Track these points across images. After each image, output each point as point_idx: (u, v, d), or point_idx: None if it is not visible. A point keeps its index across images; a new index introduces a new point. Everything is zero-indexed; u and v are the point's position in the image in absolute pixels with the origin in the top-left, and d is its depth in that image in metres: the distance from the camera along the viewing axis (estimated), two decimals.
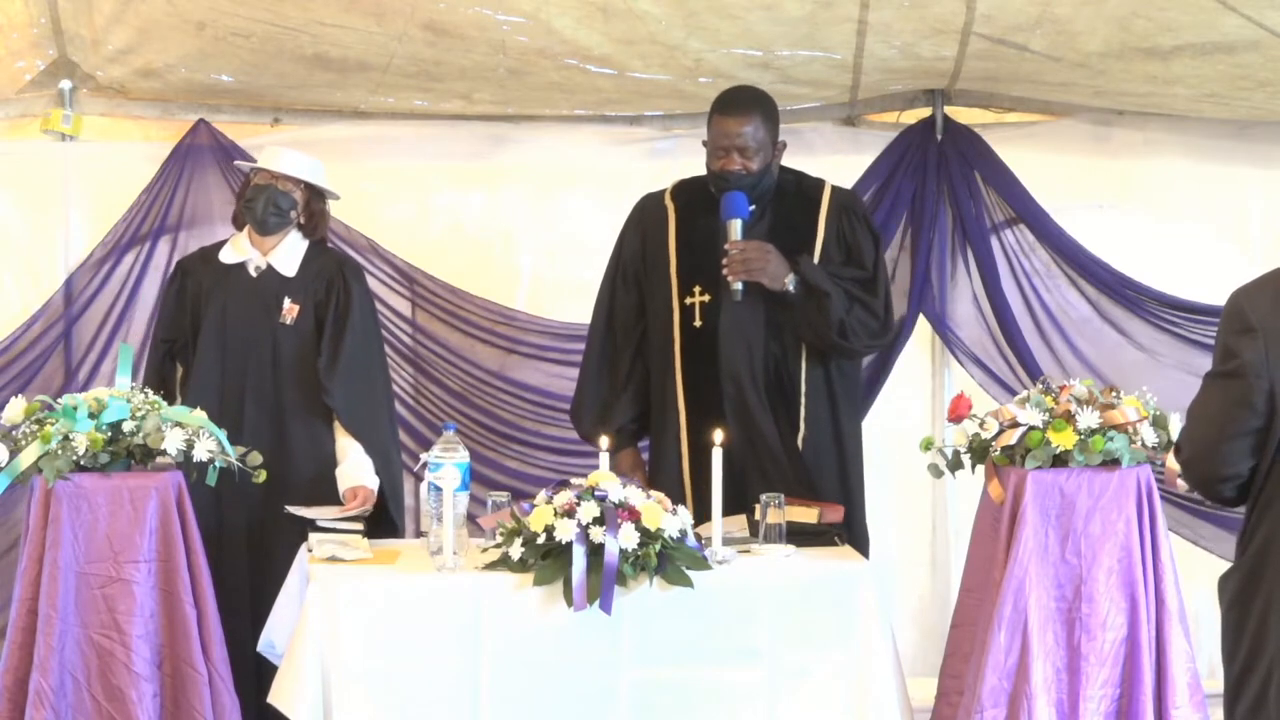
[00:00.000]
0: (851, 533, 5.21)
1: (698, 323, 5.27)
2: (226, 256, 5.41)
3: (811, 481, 5.22)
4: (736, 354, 5.24)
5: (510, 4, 5.59)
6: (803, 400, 5.27)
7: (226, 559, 5.17)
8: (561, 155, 6.37)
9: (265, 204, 5.34)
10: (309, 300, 5.35)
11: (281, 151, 5.47)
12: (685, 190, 5.42)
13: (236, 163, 5.71)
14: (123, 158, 6.23)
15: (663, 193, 5.45)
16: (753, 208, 5.24)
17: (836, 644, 4.58)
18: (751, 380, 5.23)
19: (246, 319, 5.34)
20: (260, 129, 6.28)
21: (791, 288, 5.17)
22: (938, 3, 5.55)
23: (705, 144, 5.31)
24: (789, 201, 5.34)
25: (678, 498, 5.03)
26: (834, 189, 5.41)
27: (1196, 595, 5.43)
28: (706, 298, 5.27)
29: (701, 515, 4.88)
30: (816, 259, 5.26)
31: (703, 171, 5.40)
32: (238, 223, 5.47)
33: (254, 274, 5.38)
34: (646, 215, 5.43)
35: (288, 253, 5.39)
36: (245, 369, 5.31)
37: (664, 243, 5.36)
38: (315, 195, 5.44)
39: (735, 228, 5.19)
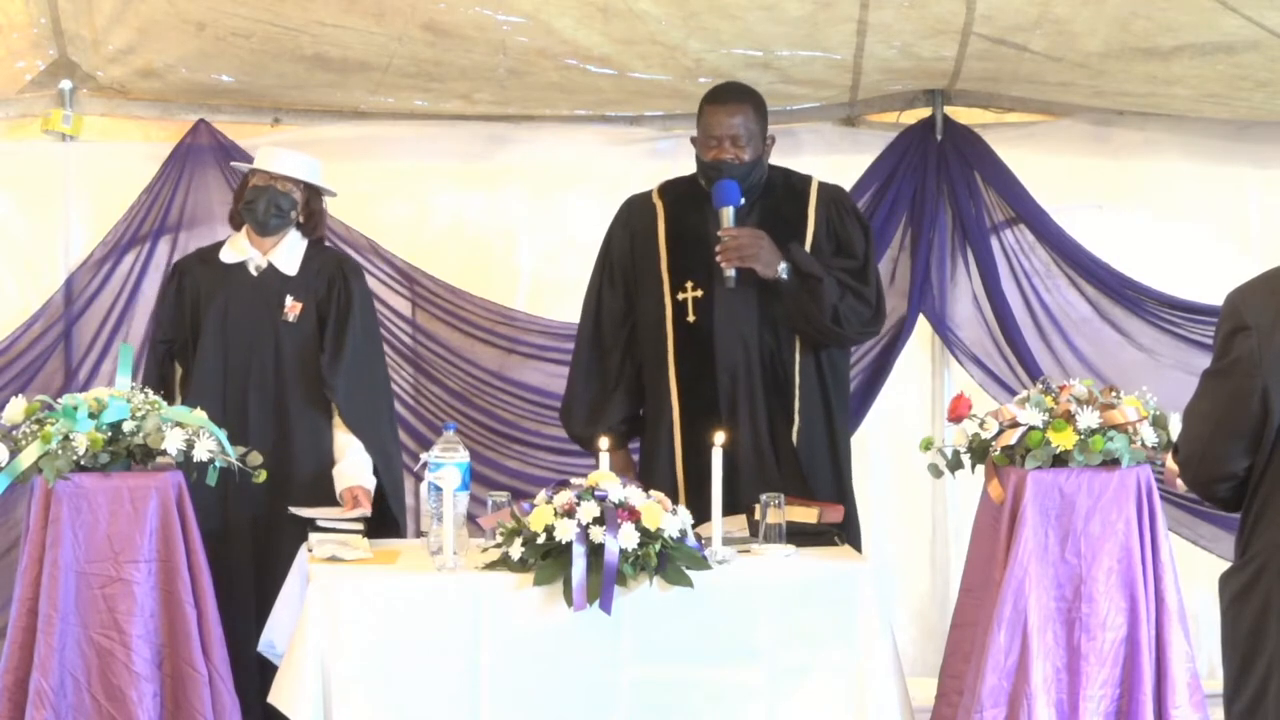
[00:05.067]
0: (844, 526, 5.23)
1: (691, 318, 5.28)
2: (226, 256, 5.42)
3: (805, 476, 5.23)
4: (732, 348, 5.25)
5: (510, 4, 5.59)
6: (797, 393, 5.28)
7: (232, 558, 5.18)
8: (561, 155, 6.37)
9: (266, 205, 5.34)
10: (311, 298, 5.36)
11: (279, 152, 5.47)
12: (672, 188, 5.45)
13: (233, 164, 5.70)
14: (123, 158, 6.23)
15: (649, 192, 5.47)
16: (742, 201, 5.25)
17: (836, 644, 4.58)
18: (747, 374, 5.25)
19: (249, 318, 5.34)
20: (260, 129, 6.29)
21: (784, 275, 5.19)
22: (938, 3, 5.55)
23: (694, 139, 5.34)
24: (778, 196, 5.37)
25: (670, 496, 5.04)
26: (821, 183, 5.44)
27: (1196, 595, 5.43)
28: (699, 293, 5.28)
29: (696, 514, 4.88)
30: (807, 250, 5.27)
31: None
32: (234, 223, 5.47)
33: (255, 273, 5.38)
34: (634, 214, 5.45)
35: (288, 252, 5.40)
36: (248, 367, 5.32)
37: (653, 239, 5.37)
38: (313, 194, 5.44)
39: (727, 215, 5.21)
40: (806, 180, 5.44)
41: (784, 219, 5.31)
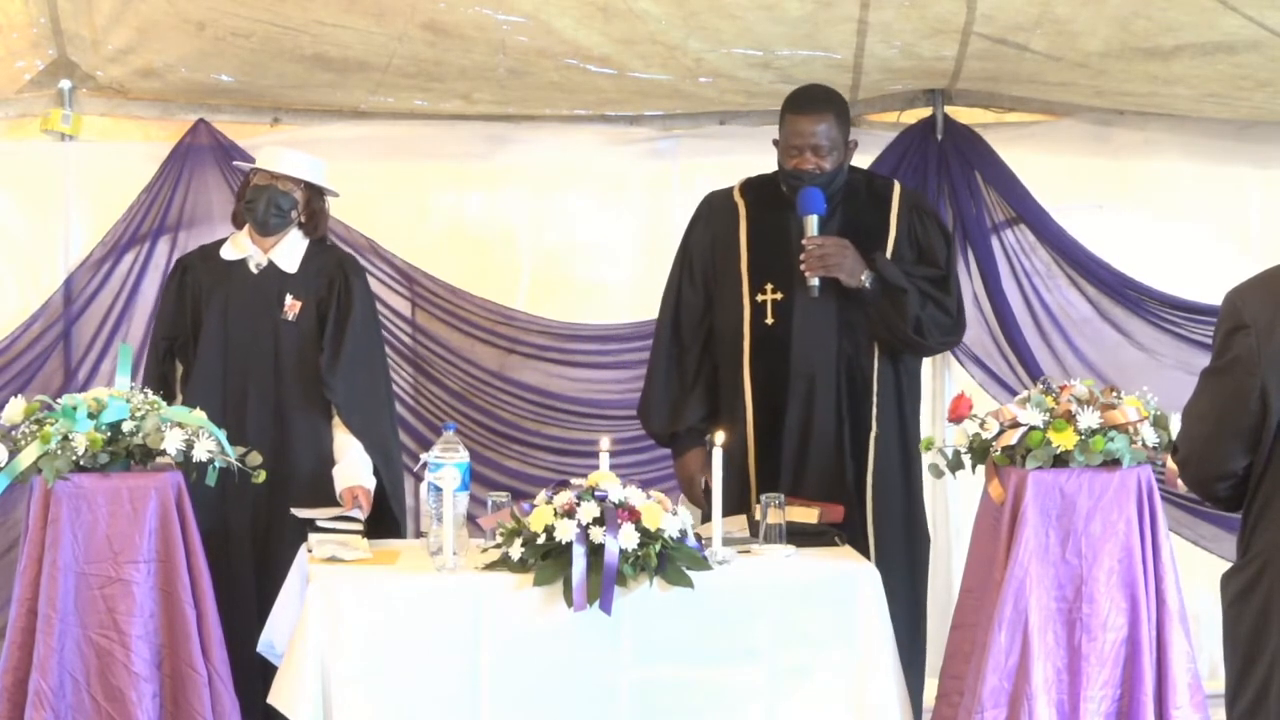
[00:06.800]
0: (911, 532, 5.26)
1: (769, 320, 5.24)
2: (227, 254, 5.41)
3: (878, 483, 5.22)
4: (810, 352, 5.21)
5: (510, 4, 5.59)
6: (874, 399, 5.25)
7: (233, 557, 5.19)
8: (561, 155, 6.36)
9: (266, 205, 5.33)
10: (311, 297, 5.35)
11: (281, 151, 5.47)
12: (754, 187, 5.38)
13: (236, 163, 5.71)
14: (123, 158, 6.24)
15: (730, 190, 5.40)
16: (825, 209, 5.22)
17: (836, 644, 4.58)
18: (823, 379, 5.22)
19: (248, 315, 5.34)
20: (260, 129, 6.29)
21: (868, 284, 5.16)
22: (938, 3, 5.55)
23: (775, 142, 5.28)
24: (860, 200, 5.33)
25: (743, 495, 5.04)
26: (903, 188, 5.42)
27: (1196, 595, 5.42)
28: (779, 295, 5.23)
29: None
30: (889, 257, 5.24)
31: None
32: (237, 222, 5.47)
33: (255, 270, 5.38)
34: (715, 212, 5.38)
35: (289, 250, 5.39)
36: (247, 366, 5.31)
37: (735, 240, 5.31)
38: (315, 194, 5.43)
39: (812, 224, 5.16)
40: (888, 185, 5.41)
41: (866, 224, 5.26)
